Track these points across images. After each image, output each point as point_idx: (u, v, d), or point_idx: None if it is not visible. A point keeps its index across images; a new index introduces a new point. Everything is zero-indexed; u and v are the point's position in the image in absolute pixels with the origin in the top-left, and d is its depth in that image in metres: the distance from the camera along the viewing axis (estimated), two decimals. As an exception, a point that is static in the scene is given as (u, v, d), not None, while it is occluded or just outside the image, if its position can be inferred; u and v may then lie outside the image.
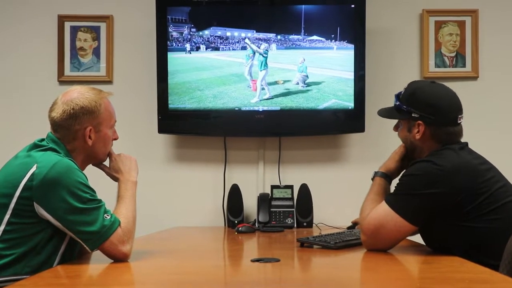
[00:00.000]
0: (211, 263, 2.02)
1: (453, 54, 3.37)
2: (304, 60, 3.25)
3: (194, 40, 3.28)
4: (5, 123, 3.38)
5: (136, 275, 1.80)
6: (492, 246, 1.89)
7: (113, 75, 3.40)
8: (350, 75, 3.25)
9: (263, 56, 3.26)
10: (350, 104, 3.25)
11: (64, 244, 1.86)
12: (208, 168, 3.38)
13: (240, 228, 2.91)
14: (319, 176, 3.34)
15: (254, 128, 3.29)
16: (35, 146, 1.90)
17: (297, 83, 3.27)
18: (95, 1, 3.41)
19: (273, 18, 3.32)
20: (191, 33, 3.28)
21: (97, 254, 1.87)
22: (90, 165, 2.05)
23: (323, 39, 3.26)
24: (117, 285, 1.64)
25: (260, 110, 3.27)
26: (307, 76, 3.25)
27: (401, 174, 2.14)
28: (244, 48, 3.28)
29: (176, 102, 3.26)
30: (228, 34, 3.29)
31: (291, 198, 3.18)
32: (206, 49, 3.29)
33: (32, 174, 1.78)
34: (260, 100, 3.25)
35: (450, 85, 2.14)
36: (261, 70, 3.27)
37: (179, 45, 3.27)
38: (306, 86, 3.26)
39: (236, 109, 3.26)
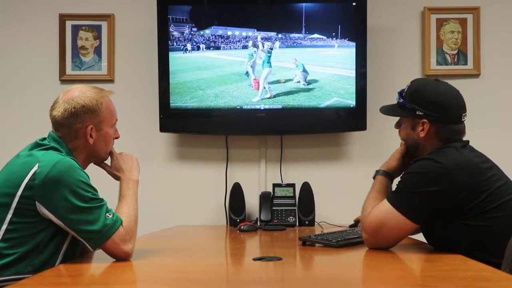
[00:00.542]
0: (213, 262, 2.02)
1: (455, 52, 3.36)
2: (296, 60, 3.24)
3: (195, 40, 3.28)
4: (6, 122, 3.39)
5: (138, 273, 1.80)
6: (494, 244, 1.89)
7: (115, 74, 3.40)
8: (352, 73, 3.25)
9: (267, 54, 3.26)
10: (351, 102, 3.24)
11: (66, 243, 1.86)
12: (210, 167, 3.39)
13: (242, 227, 2.92)
14: (321, 174, 3.34)
15: (256, 127, 3.29)
16: (37, 145, 1.90)
17: (298, 81, 3.26)
18: (96, 0, 3.41)
19: (274, 16, 3.32)
20: (192, 32, 3.28)
21: (99, 253, 1.87)
22: (92, 164, 2.05)
23: (324, 37, 3.26)
24: (119, 284, 1.64)
25: (262, 108, 3.26)
26: (307, 72, 3.25)
27: (403, 172, 2.14)
28: (245, 47, 3.28)
29: (177, 101, 3.26)
30: (229, 33, 3.28)
31: (293, 197, 3.18)
32: (207, 48, 3.29)
33: (34, 173, 1.78)
34: (262, 99, 3.25)
35: (451, 83, 2.14)
36: (263, 68, 3.27)
37: (180, 44, 3.27)
38: (307, 84, 3.26)
39: (237, 107, 3.26)
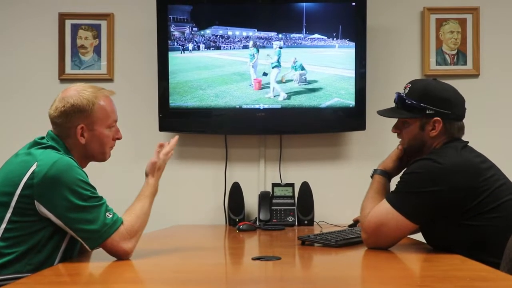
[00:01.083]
0: (212, 261, 2.02)
1: (454, 52, 3.36)
2: (296, 59, 3.25)
3: (196, 40, 3.28)
4: (6, 121, 3.39)
5: (137, 273, 1.80)
6: (493, 244, 1.89)
7: (114, 73, 3.40)
8: (351, 73, 3.25)
9: (276, 54, 3.25)
10: (351, 102, 3.24)
11: (65, 242, 1.86)
12: (209, 166, 3.39)
13: (241, 226, 2.92)
14: (320, 174, 3.35)
15: (255, 126, 3.29)
16: (35, 144, 1.90)
17: (297, 82, 3.26)
18: (96, -1, 3.42)
19: (274, 16, 3.32)
20: (192, 32, 3.28)
21: (98, 252, 1.87)
22: (91, 163, 2.04)
23: (324, 37, 3.26)
24: (118, 283, 1.64)
25: (261, 108, 3.26)
26: (305, 70, 3.25)
27: (402, 172, 2.14)
28: (245, 47, 3.28)
29: (178, 101, 3.26)
30: (230, 33, 3.28)
31: (292, 196, 3.18)
32: (208, 48, 3.29)
33: (33, 172, 1.78)
34: (274, 97, 3.25)
35: (451, 83, 2.14)
36: (273, 68, 3.27)
37: (181, 44, 3.27)
38: (306, 84, 3.26)
39: (237, 107, 3.26)
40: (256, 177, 3.37)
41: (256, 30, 3.28)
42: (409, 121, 2.10)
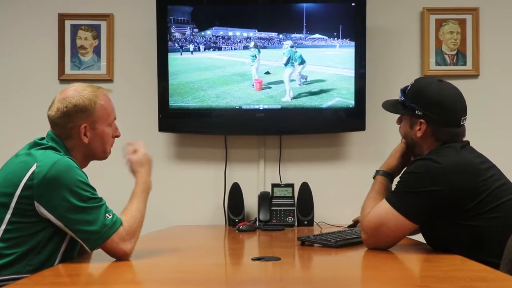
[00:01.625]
0: (212, 262, 2.02)
1: (454, 52, 3.36)
2: (296, 50, 3.25)
3: (196, 41, 3.28)
4: (5, 121, 3.39)
5: (136, 273, 1.80)
6: (493, 244, 1.89)
7: (114, 73, 3.40)
8: (351, 73, 3.25)
9: (288, 54, 3.25)
10: (350, 102, 3.24)
11: (65, 243, 1.86)
12: (208, 167, 3.39)
13: (240, 227, 2.91)
14: (319, 174, 3.35)
15: (255, 127, 3.29)
16: (35, 145, 1.90)
17: (298, 82, 3.26)
18: (95, -1, 3.42)
19: (274, 17, 3.32)
20: (193, 33, 3.28)
21: (98, 253, 1.87)
22: (90, 163, 2.04)
23: (325, 37, 3.26)
24: (118, 284, 1.64)
25: (261, 108, 3.27)
26: (304, 65, 3.25)
27: (402, 172, 2.14)
28: (246, 47, 3.28)
29: (178, 102, 3.26)
30: (230, 33, 3.29)
31: (292, 197, 3.18)
32: (208, 49, 3.29)
33: (33, 173, 1.78)
34: (292, 98, 3.24)
35: (451, 83, 2.14)
36: (286, 68, 3.27)
37: (181, 45, 3.27)
38: (308, 84, 3.26)
39: (237, 107, 3.26)
40: (255, 178, 3.37)
41: (256, 31, 3.28)
42: (404, 117, 2.13)
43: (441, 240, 2.02)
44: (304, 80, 3.26)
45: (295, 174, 3.33)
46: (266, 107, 3.26)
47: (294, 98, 3.25)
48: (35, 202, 1.77)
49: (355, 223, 2.59)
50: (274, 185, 3.23)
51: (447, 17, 3.36)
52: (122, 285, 1.63)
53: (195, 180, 3.38)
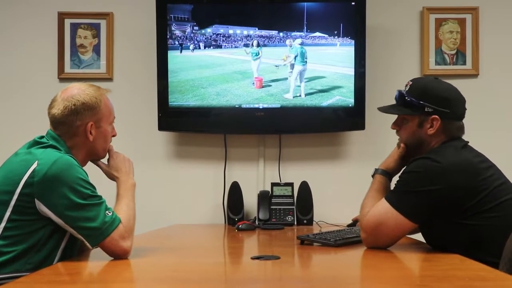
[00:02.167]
0: (211, 261, 2.02)
1: (454, 52, 3.37)
2: (297, 44, 3.26)
3: (197, 38, 3.28)
4: (5, 120, 3.39)
5: (136, 272, 1.80)
6: (492, 243, 1.89)
7: (113, 72, 3.40)
8: (351, 72, 3.25)
9: (297, 51, 3.25)
10: (349, 101, 3.25)
11: (64, 241, 1.86)
12: (208, 166, 3.39)
13: (240, 226, 2.92)
14: (319, 173, 3.35)
15: (255, 126, 3.29)
16: (35, 143, 1.90)
17: (298, 80, 3.26)
18: (95, -2, 3.42)
19: (275, 15, 3.32)
20: (193, 31, 3.28)
21: (97, 251, 1.87)
22: (90, 162, 2.05)
23: (326, 35, 3.26)
24: (117, 282, 1.64)
25: (261, 107, 3.27)
26: (305, 55, 3.25)
27: (401, 171, 2.14)
28: (246, 45, 3.28)
29: (179, 99, 3.26)
30: (231, 31, 3.29)
31: (291, 196, 3.19)
32: (209, 47, 3.29)
33: (33, 171, 1.78)
34: (294, 95, 3.24)
35: (450, 82, 2.14)
36: (296, 65, 3.27)
37: (182, 43, 3.27)
38: (308, 82, 3.26)
39: (236, 106, 3.26)
40: (255, 177, 3.37)
41: (257, 29, 3.28)
42: (408, 118, 2.11)
43: (440, 239, 2.02)
44: (307, 79, 3.26)
45: (295, 173, 3.33)
46: (265, 106, 3.26)
47: (296, 96, 3.25)
48: (35, 199, 1.78)
49: (355, 222, 2.59)
50: (273, 184, 3.23)
51: (447, 17, 3.37)
52: (121, 284, 1.63)
53: (194, 179, 3.39)
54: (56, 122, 1.93)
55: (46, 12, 3.39)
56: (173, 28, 3.26)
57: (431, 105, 2.04)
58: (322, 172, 3.36)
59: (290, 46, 3.26)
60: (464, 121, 2.10)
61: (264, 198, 3.14)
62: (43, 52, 3.39)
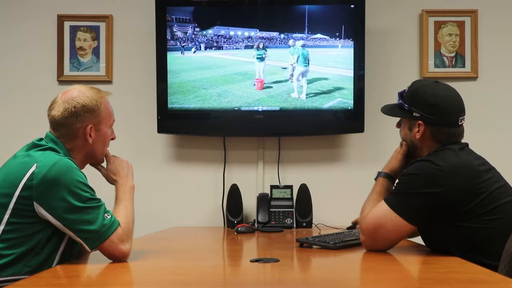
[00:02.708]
0: (210, 263, 2.02)
1: (453, 55, 3.37)
2: (299, 45, 3.27)
3: (198, 40, 3.28)
4: (4, 122, 3.38)
5: (135, 275, 1.80)
6: (491, 246, 1.89)
7: (113, 75, 3.40)
8: (350, 74, 3.25)
9: (298, 52, 3.26)
10: (349, 103, 3.25)
11: (63, 244, 1.86)
12: (207, 168, 3.38)
13: (239, 228, 2.91)
14: (318, 176, 3.34)
15: (254, 128, 3.29)
16: (34, 146, 1.90)
17: (299, 81, 3.27)
18: (94, 1, 3.41)
19: (276, 17, 3.32)
20: (195, 32, 3.28)
21: (96, 254, 1.87)
22: (88, 165, 2.05)
23: (327, 37, 3.26)
24: (116, 285, 1.64)
25: (260, 110, 3.27)
26: (307, 54, 3.26)
27: (400, 174, 2.14)
28: (247, 47, 3.28)
29: (181, 100, 3.25)
30: (232, 33, 3.29)
31: (291, 198, 3.18)
32: (210, 48, 3.30)
33: (32, 174, 1.78)
34: (298, 96, 3.25)
35: (450, 85, 2.14)
36: (298, 66, 3.27)
37: (183, 45, 3.27)
38: (309, 84, 3.26)
39: (235, 109, 3.26)
40: (254, 179, 3.36)
41: (258, 30, 3.29)
42: (403, 120, 2.14)
43: (439, 242, 2.02)
44: (309, 81, 3.27)
45: (294, 175, 3.33)
46: (265, 108, 3.26)
47: (300, 96, 3.25)
48: (34, 202, 1.77)
49: (354, 224, 2.59)
50: (273, 187, 3.23)
51: (446, 19, 3.37)
52: (120, 287, 1.63)
53: (193, 182, 3.38)
54: (56, 123, 1.93)
55: (46, 15, 3.39)
56: (174, 30, 3.27)
57: (417, 110, 2.05)
58: (321, 175, 3.36)
59: (293, 46, 3.26)
60: (463, 124, 2.09)
61: (263, 200, 3.14)
62: (43, 54, 3.39)
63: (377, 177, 2.19)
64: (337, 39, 3.25)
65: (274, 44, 3.28)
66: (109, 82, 3.37)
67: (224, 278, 1.80)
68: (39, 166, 1.79)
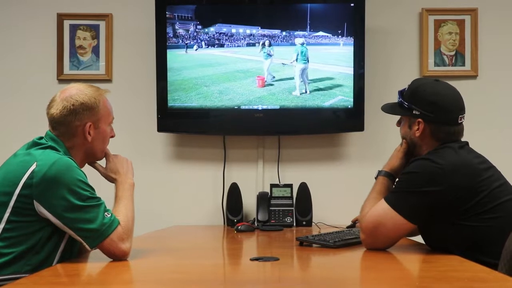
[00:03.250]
0: (210, 262, 2.02)
1: (453, 53, 3.37)
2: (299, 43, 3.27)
3: (200, 37, 3.28)
4: (4, 121, 3.38)
5: (135, 273, 1.80)
6: (491, 244, 1.89)
7: (113, 73, 3.40)
8: (350, 72, 3.25)
9: (300, 50, 3.26)
10: (349, 101, 3.25)
11: (63, 243, 1.86)
12: (207, 167, 3.38)
13: (239, 227, 2.91)
14: (318, 175, 3.35)
15: (254, 127, 3.29)
16: (34, 144, 1.90)
17: (300, 80, 3.27)
18: (94, -1, 3.42)
19: (277, 14, 3.32)
20: (196, 30, 3.28)
21: (96, 253, 1.87)
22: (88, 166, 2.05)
23: (329, 35, 3.26)
24: (116, 284, 1.64)
25: (260, 108, 3.27)
26: (307, 51, 3.26)
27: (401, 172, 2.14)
28: (249, 44, 3.28)
29: (183, 97, 3.25)
30: (233, 30, 3.29)
31: (291, 197, 3.19)
32: (212, 46, 3.30)
33: (32, 172, 1.78)
34: (300, 93, 3.24)
35: (450, 83, 2.14)
36: (298, 63, 3.26)
37: (187, 42, 3.27)
38: (310, 82, 3.26)
39: (235, 107, 3.26)
40: (254, 178, 3.36)
41: (259, 28, 3.29)
42: (403, 118, 2.15)
43: (439, 240, 2.02)
44: (310, 78, 3.27)
45: (294, 174, 3.33)
46: (264, 107, 3.26)
47: (301, 94, 3.25)
48: (34, 201, 1.78)
49: (354, 223, 2.59)
50: (272, 185, 3.23)
51: (446, 18, 3.37)
52: (120, 285, 1.63)
53: (193, 180, 3.38)
54: (55, 122, 1.93)
55: (45, 13, 3.39)
56: (176, 27, 3.27)
57: (417, 108, 2.06)
58: (321, 174, 3.36)
59: (301, 44, 3.26)
60: (463, 122, 2.09)
61: (263, 199, 3.14)
62: (42, 53, 3.39)
63: (377, 175, 2.19)
64: (339, 36, 3.25)
65: (276, 41, 3.29)
66: (109, 81, 3.37)
67: (224, 276, 1.80)
68: (39, 165, 1.79)
